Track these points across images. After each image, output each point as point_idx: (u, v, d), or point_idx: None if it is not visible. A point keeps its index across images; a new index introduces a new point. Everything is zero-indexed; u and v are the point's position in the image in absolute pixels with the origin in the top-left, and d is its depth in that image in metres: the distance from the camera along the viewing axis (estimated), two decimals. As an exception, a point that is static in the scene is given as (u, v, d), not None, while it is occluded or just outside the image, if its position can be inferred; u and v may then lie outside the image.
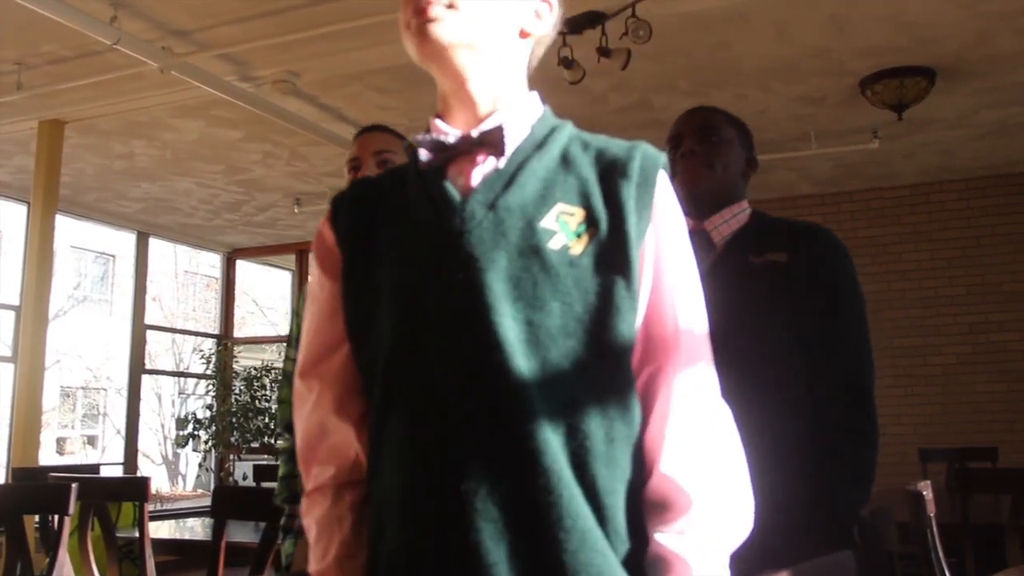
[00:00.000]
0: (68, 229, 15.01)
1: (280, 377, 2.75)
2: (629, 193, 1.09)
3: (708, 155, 1.99)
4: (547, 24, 1.20)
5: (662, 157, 1.14)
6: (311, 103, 5.35)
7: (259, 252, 9.44)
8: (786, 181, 6.99)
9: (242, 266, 9.82)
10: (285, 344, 2.39)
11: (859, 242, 7.09)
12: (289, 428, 2.17)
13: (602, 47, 3.98)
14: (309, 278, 1.26)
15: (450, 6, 1.10)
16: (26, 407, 5.33)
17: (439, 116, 1.18)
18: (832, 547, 1.63)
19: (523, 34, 1.18)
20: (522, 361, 1.01)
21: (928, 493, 2.30)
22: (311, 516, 1.17)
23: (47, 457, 16.68)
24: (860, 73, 4.90)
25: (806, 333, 1.85)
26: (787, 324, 1.85)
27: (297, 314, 2.31)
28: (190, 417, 8.85)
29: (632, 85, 5.01)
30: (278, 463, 2.38)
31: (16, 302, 6.64)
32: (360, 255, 1.16)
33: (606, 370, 1.06)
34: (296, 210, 7.65)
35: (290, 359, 2.27)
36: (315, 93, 5.22)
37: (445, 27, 1.10)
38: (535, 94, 1.20)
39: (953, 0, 4.06)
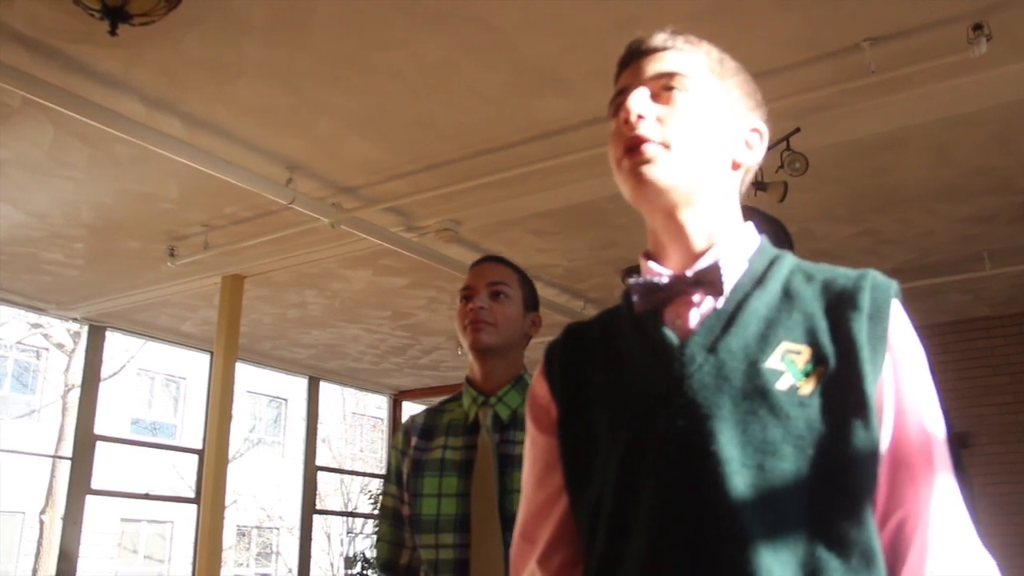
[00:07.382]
0: (245, 375, 15.73)
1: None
2: (861, 327, 1.00)
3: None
4: (758, 154, 1.15)
5: (894, 285, 1.05)
6: (472, 249, 5.51)
7: (423, 393, 9.60)
8: (960, 304, 6.66)
9: (407, 407, 10.00)
10: (383, 480, 2.20)
11: (1047, 365, 6.66)
12: (387, 567, 2.09)
13: (758, 181, 3.97)
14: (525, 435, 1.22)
15: (665, 145, 1.06)
16: (208, 546, 5.50)
17: (649, 254, 1.14)
18: None
19: (735, 166, 1.13)
20: (754, 510, 0.94)
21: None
22: None
23: (223, 598, 17.07)
24: (1032, 189, 4.70)
25: None
26: None
27: (395, 448, 2.15)
28: (359, 556, 8.94)
29: (791, 216, 4.90)
30: None
31: (199, 446, 6.97)
32: (575, 406, 1.12)
33: (846, 517, 0.95)
34: (459, 352, 7.75)
35: (389, 495, 2.12)
36: (476, 239, 5.39)
37: (660, 169, 1.06)
38: (750, 225, 1.14)
39: None
